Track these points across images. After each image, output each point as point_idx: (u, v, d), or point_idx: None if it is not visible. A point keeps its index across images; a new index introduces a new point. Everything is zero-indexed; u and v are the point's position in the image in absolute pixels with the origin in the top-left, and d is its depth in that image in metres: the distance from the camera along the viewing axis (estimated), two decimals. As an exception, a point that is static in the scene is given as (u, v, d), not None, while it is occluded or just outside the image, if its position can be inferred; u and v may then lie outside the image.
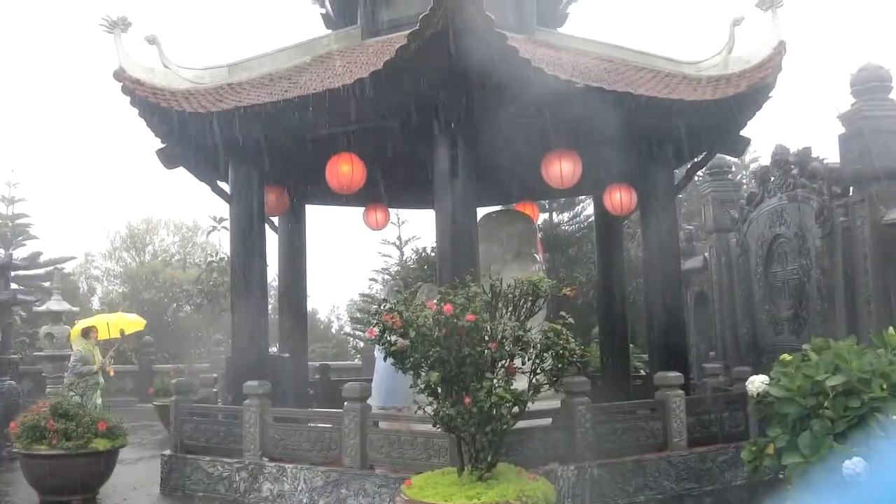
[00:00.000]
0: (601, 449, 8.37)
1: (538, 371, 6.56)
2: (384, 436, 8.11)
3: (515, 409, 6.42)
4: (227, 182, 10.65)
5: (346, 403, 8.28)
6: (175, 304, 22.86)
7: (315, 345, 24.52)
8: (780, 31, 9.79)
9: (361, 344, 22.74)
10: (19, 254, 25.76)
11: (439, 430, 7.41)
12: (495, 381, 6.25)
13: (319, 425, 8.73)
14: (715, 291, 14.00)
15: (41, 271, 26.26)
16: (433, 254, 18.26)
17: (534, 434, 8.02)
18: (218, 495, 9.01)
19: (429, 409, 6.70)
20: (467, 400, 6.37)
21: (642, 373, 13.60)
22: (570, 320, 6.61)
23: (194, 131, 9.73)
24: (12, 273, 14.70)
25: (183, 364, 17.99)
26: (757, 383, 6.76)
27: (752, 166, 23.78)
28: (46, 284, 23.59)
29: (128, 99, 9.87)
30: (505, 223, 11.29)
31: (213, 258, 24.12)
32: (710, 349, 14.37)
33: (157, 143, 10.43)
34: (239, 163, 10.24)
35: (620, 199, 11.04)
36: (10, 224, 28.19)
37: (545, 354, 6.45)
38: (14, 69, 67.50)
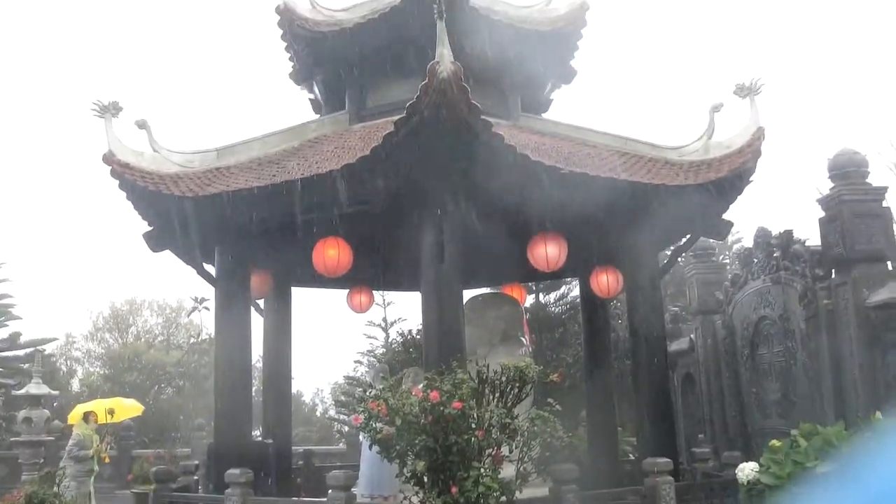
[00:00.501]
0: (591, 538, 8.20)
1: (526, 459, 6.48)
2: (369, 526, 7.92)
3: (503, 498, 6.33)
4: (213, 264, 10.63)
5: (330, 492, 8.07)
6: (157, 387, 22.54)
7: (299, 428, 24.12)
8: (759, 117, 10.03)
9: (346, 428, 22.41)
10: (0, 335, 25.53)
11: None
12: (482, 469, 6.16)
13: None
14: (702, 374, 13.95)
15: (21, 353, 25.98)
16: (419, 336, 18.19)
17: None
18: (197, 589, 8.72)
19: (415, 500, 6.58)
20: (454, 490, 6.28)
21: (631, 457, 13.43)
22: (558, 407, 6.56)
23: (182, 215, 9.74)
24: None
25: (163, 449, 17.64)
26: (747, 470, 6.72)
27: (736, 247, 23.99)
28: (26, 366, 23.26)
29: (116, 182, 9.91)
30: (491, 306, 11.31)
31: (196, 339, 23.90)
32: (698, 432, 14.23)
33: (144, 225, 10.44)
34: (225, 246, 10.24)
35: (607, 281, 11.11)
36: (-9, 305, 27.89)
37: (533, 442, 6.39)
38: None
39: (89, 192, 65.46)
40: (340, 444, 21.77)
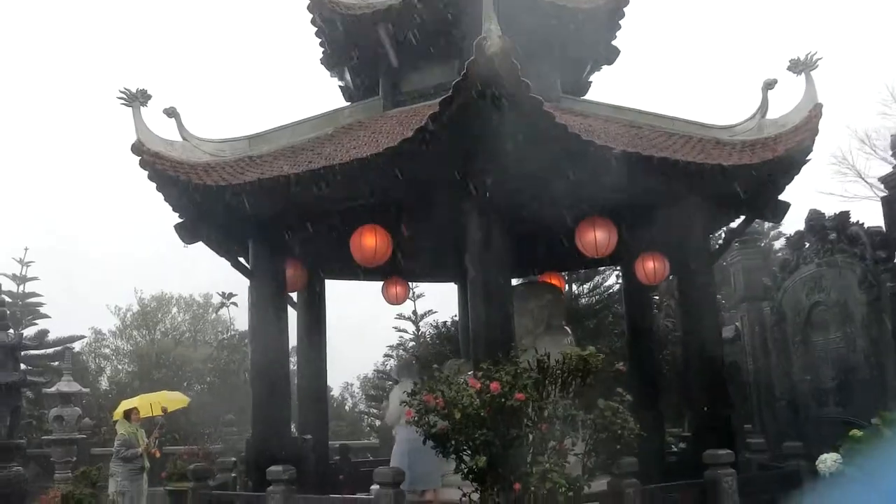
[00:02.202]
0: (650, 535, 7.81)
1: (593, 452, 6.09)
2: (420, 524, 7.57)
3: (570, 493, 5.95)
4: (246, 256, 10.31)
5: (378, 489, 7.74)
6: (185, 384, 22.35)
7: (330, 423, 23.85)
8: (816, 93, 9.57)
9: (377, 422, 22.12)
10: (28, 333, 25.45)
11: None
12: (548, 464, 5.80)
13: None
14: (749, 362, 13.51)
15: (50, 351, 25.89)
16: (453, 329, 17.86)
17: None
18: (240, 591, 8.42)
19: (475, 497, 6.22)
20: (517, 486, 5.92)
21: (674, 448, 13.03)
22: (629, 397, 6.15)
23: (214, 205, 9.44)
24: (21, 353, 14.32)
25: (196, 446, 17.40)
26: (829, 462, 6.31)
27: (773, 233, 23.50)
28: (55, 364, 23.14)
29: (146, 173, 9.61)
30: (533, 295, 10.89)
31: (225, 336, 23.72)
32: (744, 423, 13.79)
33: (172, 218, 10.14)
34: (260, 237, 9.91)
35: (654, 267, 10.71)
36: (21, 303, 27.90)
37: (601, 435, 5.99)
38: (27, 142, 68.54)
39: (116, 185, 65.81)
40: (372, 439, 21.49)
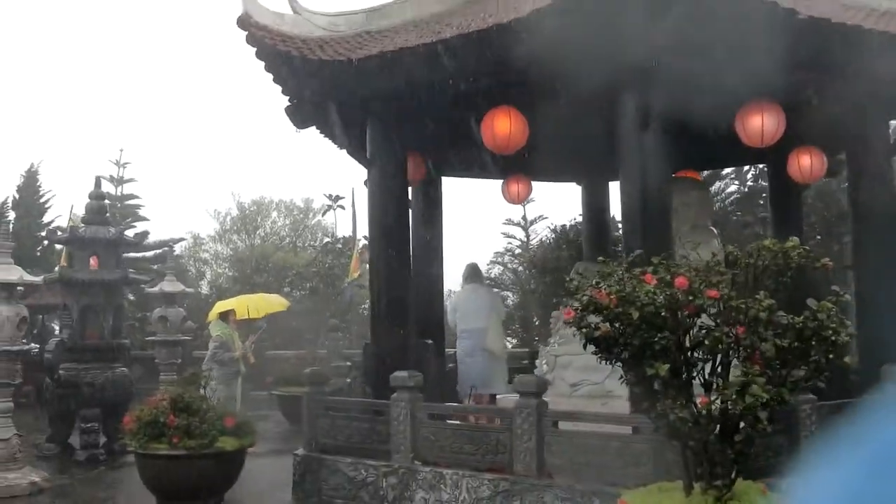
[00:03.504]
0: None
1: (796, 363, 5.05)
2: (567, 439, 6.74)
3: (765, 413, 4.96)
4: (362, 145, 9.44)
5: (519, 399, 6.95)
6: (287, 289, 22.07)
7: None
8: None
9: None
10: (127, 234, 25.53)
11: (630, 432, 6.12)
12: (749, 374, 4.81)
13: (484, 424, 7.46)
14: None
15: (150, 253, 25.94)
16: (571, 232, 16.87)
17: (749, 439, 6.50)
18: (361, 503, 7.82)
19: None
20: (703, 400, 4.98)
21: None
22: (847, 297, 5.05)
23: (329, 84, 8.61)
24: (122, 254, 13.94)
25: (303, 351, 17.04)
26: None
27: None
28: (155, 267, 23.10)
29: (253, 49, 8.77)
30: (678, 191, 9.71)
31: (330, 239, 23.27)
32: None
33: (274, 109, 9.40)
34: (379, 121, 9.01)
35: (810, 164, 9.46)
36: (119, 205, 27.99)
37: (810, 342, 4.93)
38: (127, 40, 69.16)
39: (213, 92, 66.03)
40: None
